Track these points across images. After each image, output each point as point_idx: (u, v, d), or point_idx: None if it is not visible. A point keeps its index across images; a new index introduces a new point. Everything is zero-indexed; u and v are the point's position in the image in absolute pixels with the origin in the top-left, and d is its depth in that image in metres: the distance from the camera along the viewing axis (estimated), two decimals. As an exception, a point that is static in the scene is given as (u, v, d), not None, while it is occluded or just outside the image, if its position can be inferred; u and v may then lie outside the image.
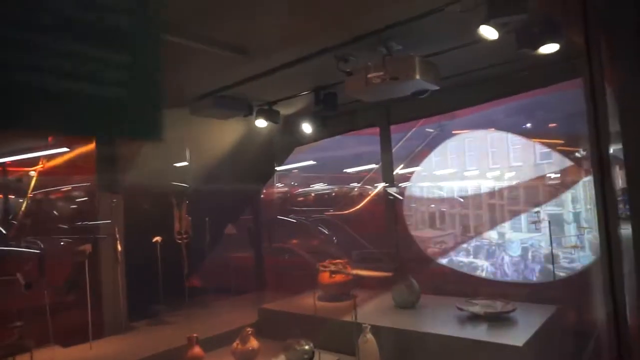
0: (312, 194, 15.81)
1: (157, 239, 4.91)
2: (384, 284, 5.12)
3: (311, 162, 12.76)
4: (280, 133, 5.81)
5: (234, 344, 3.93)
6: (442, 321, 3.97)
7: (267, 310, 4.94)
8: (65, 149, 6.98)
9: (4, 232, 7.28)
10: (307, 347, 3.62)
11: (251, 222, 6.82)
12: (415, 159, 7.34)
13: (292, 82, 4.53)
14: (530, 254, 5.27)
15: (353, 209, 13.01)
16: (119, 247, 4.66)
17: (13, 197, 7.68)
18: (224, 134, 5.46)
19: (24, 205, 7.69)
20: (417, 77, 3.22)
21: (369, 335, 3.55)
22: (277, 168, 7.65)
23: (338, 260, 5.09)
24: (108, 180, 5.17)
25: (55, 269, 5.62)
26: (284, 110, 5.29)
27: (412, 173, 7.53)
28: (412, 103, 4.23)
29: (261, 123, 5.18)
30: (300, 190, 15.45)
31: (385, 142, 5.47)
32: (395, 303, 4.54)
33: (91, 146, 5.44)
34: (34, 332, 4.34)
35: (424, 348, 3.64)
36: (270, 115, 5.20)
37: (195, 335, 4.01)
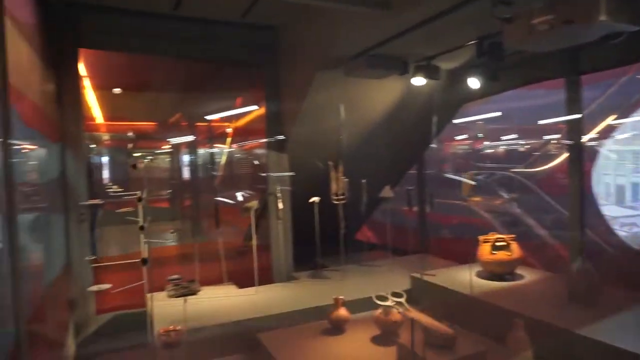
0: (500, 148, 14.34)
1: (315, 199, 5.11)
2: (559, 268, 4.35)
3: (495, 114, 11.46)
4: (443, 89, 5.26)
5: (377, 312, 3.90)
6: (627, 330, 3.15)
7: (419, 279, 4.74)
8: (254, 107, 7.70)
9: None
10: (445, 332, 3.33)
11: (414, 183, 6.52)
12: (623, 113, 5.82)
13: (449, 33, 3.96)
14: None
15: (546, 166, 11.38)
16: (280, 205, 5.01)
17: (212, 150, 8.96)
18: (382, 94, 5.20)
19: (223, 158, 8.96)
20: (602, 17, 2.40)
21: (522, 333, 3.06)
22: (456, 121, 7.03)
23: (502, 235, 4.49)
24: (275, 139, 5.55)
25: (238, 219, 6.41)
26: (445, 64, 4.73)
27: (610, 131, 6.02)
28: (609, 46, 3.25)
29: (419, 81, 4.76)
30: (485, 143, 14.14)
31: (573, 96, 4.43)
32: (570, 294, 3.80)
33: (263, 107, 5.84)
34: (216, 272, 5.08)
35: (593, 360, 2.97)
36: (428, 71, 4.73)
37: (341, 297, 4.12)
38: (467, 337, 3.79)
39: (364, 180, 5.25)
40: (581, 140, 4.60)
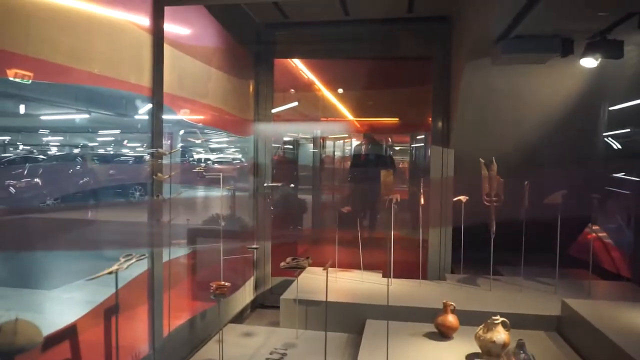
0: None
1: (460, 198, 4.79)
2: None
3: None
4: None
5: (479, 328, 3.51)
6: None
7: (569, 307, 3.86)
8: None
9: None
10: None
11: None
12: None
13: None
14: None
15: None
16: (422, 201, 4.92)
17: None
18: (547, 82, 4.33)
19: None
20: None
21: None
22: None
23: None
24: (440, 134, 5.42)
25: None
26: (629, 38, 3.60)
27: None
28: None
29: (589, 62, 3.81)
30: None
31: None
32: None
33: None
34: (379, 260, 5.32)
35: None
36: (606, 48, 3.72)
37: (452, 304, 3.87)
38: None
39: (526, 182, 4.55)
40: None
